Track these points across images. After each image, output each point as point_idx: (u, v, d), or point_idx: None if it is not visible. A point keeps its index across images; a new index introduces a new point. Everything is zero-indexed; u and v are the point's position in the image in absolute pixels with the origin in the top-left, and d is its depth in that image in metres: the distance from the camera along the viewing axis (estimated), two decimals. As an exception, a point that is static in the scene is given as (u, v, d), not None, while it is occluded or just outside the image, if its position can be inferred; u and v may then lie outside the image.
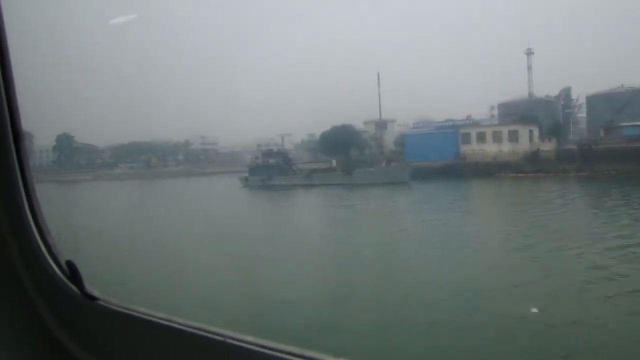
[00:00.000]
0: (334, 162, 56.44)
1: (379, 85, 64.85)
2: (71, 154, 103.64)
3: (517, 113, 62.10)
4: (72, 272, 2.32)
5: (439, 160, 53.21)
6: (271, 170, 56.63)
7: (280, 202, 44.02)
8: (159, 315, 2.06)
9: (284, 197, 46.47)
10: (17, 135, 2.30)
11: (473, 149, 55.52)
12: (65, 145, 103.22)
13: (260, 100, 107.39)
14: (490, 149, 54.93)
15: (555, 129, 59.74)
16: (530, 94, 65.95)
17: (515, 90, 68.91)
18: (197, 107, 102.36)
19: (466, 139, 57.27)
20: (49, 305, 2.37)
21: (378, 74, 65.30)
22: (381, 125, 68.62)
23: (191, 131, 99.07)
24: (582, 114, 73.18)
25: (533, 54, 64.58)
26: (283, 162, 59.76)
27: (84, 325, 2.33)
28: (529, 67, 64.99)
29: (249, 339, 1.75)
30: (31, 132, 73.70)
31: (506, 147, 54.68)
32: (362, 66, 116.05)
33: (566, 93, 76.16)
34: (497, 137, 55.81)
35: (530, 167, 50.86)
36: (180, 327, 1.97)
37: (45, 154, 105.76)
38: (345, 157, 59.91)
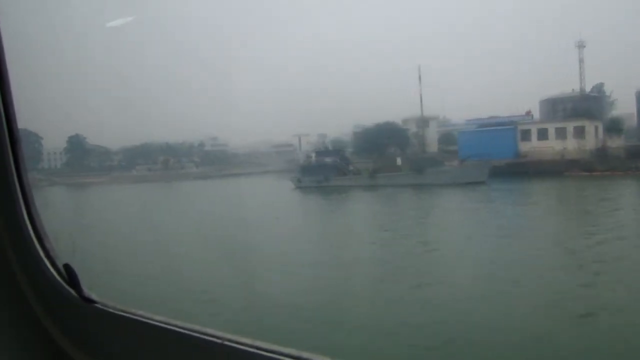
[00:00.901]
0: (398, 161, 52.49)
1: (419, 80, 61.44)
2: (83, 156, 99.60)
3: (566, 109, 59.23)
4: (70, 275, 2.32)
5: (497, 159, 49.95)
6: (327, 170, 52.64)
7: (363, 207, 39.17)
8: (157, 317, 2.07)
9: (361, 201, 41.84)
10: (14, 139, 2.34)
11: (534, 147, 52.42)
12: (77, 147, 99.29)
13: (270, 101, 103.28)
14: (553, 146, 51.76)
15: (616, 125, 56.63)
16: (581, 89, 62.84)
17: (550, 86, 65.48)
18: (206, 108, 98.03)
19: (526, 135, 54.12)
20: (47, 309, 2.38)
21: (419, 68, 61.98)
22: (422, 122, 65.22)
23: (201, 132, 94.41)
24: (616, 110, 70.54)
25: (584, 46, 61.45)
26: (340, 161, 55.61)
27: (82, 328, 2.34)
28: (581, 61, 61.83)
29: (247, 341, 1.76)
30: (39, 134, 69.34)
31: (571, 144, 51.49)
32: (379, 65, 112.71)
33: (599, 89, 73.56)
34: (560, 134, 52.55)
35: (601, 165, 47.70)
36: (178, 329, 1.97)
37: (53, 156, 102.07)
38: (408, 155, 55.71)
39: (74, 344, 2.30)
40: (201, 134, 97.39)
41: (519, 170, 47.74)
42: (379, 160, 54.54)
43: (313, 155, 61.20)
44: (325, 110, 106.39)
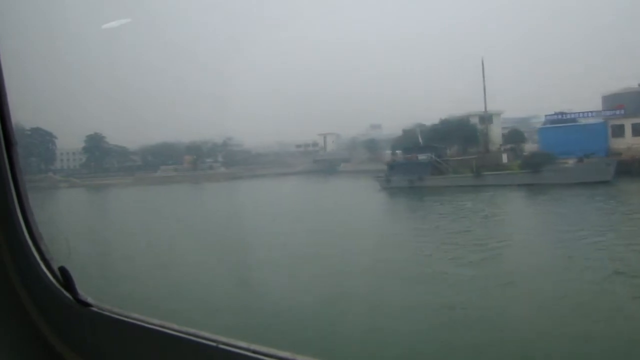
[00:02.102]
0: (504, 157, 46.96)
1: (483, 74, 56.59)
2: (103, 156, 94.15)
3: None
4: (65, 278, 2.32)
5: (586, 156, 44.86)
6: (421, 168, 47.01)
7: (501, 210, 33.49)
8: (153, 321, 2.07)
9: (490, 204, 35.69)
10: (9, 142, 2.38)
11: (628, 143, 47.46)
12: (96, 146, 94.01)
13: (282, 102, 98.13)
14: (654, 143, 46.55)
15: None
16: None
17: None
18: (218, 108, 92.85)
19: (618, 131, 49.22)
20: (42, 312, 2.37)
21: (482, 61, 57.04)
22: (486, 118, 60.18)
23: (216, 132, 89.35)
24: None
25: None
26: (436, 158, 49.43)
27: (78, 331, 2.32)
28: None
29: (242, 344, 1.77)
30: (53, 133, 63.97)
31: (673, 140, 46.52)
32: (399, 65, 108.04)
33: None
34: (660, 130, 47.54)
35: None
36: (173, 332, 1.97)
37: (69, 156, 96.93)
38: (521, 151, 50.30)
39: (69, 347, 2.27)
40: (215, 134, 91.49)
41: (620, 169, 42.68)
42: (482, 158, 48.25)
43: (398, 152, 55.38)
44: (334, 111, 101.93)
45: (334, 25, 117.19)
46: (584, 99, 64.23)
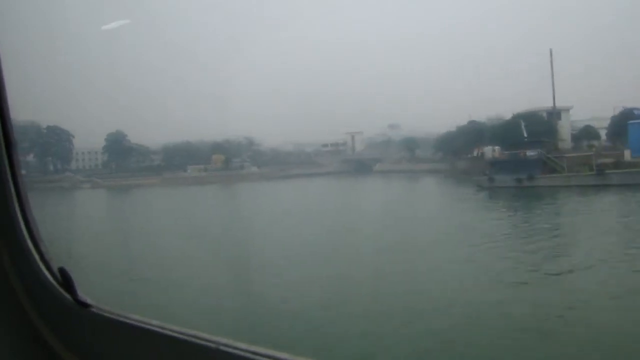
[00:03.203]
0: (627, 154, 42.34)
1: (552, 67, 53.05)
2: (124, 155, 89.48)
3: None
4: (65, 279, 2.28)
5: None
6: (530, 165, 42.09)
7: None
8: (152, 322, 2.05)
9: None
10: (9, 143, 2.32)
11: None
12: (117, 145, 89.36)
13: (299, 102, 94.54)
14: None
15: None
16: None
17: None
18: (236, 107, 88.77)
19: None
20: (42, 313, 2.36)
21: (551, 52, 53.51)
22: (554, 114, 56.57)
23: (233, 132, 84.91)
24: None
25: None
26: (547, 155, 44.29)
27: (77, 332, 2.32)
28: None
29: (242, 345, 1.75)
30: (70, 132, 59.54)
31: None
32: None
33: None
34: None
35: None
36: (173, 334, 1.96)
37: (81, 156, 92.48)
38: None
39: (69, 348, 2.28)
40: (232, 134, 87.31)
41: None
42: (598, 155, 43.24)
43: (495, 148, 50.89)
44: (352, 111, 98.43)
45: (352, 25, 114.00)
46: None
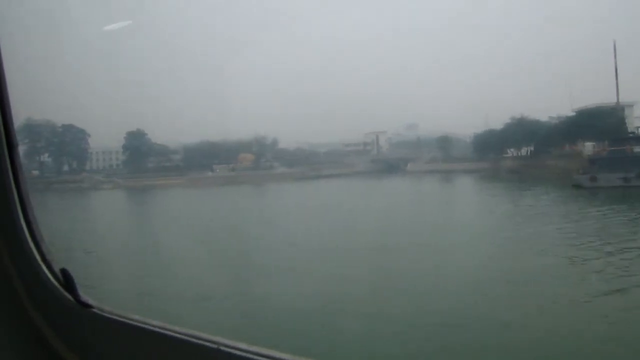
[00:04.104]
0: None
1: (615, 59, 50.07)
2: (145, 155, 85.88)
3: None
4: (67, 280, 2.30)
5: None
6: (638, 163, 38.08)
7: None
8: (153, 322, 2.06)
9: None
10: (11, 144, 2.34)
11: None
12: (137, 144, 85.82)
13: (316, 102, 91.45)
14: None
15: None
16: None
17: None
18: (255, 107, 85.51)
19: None
20: (44, 313, 2.35)
21: (614, 44, 50.53)
22: (620, 109, 53.51)
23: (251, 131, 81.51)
24: None
25: None
26: None
27: (79, 332, 2.31)
28: None
29: (243, 346, 1.76)
30: (86, 130, 55.89)
31: None
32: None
33: None
34: None
35: None
36: (174, 334, 1.96)
37: (96, 156, 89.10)
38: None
39: (71, 349, 2.28)
40: (248, 133, 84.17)
41: None
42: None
43: (593, 144, 47.21)
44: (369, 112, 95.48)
45: (366, 21, 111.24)
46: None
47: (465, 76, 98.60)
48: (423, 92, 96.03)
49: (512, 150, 66.54)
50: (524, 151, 66.61)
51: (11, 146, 2.30)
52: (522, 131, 61.74)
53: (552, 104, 76.49)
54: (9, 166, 2.29)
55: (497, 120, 67.55)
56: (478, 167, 69.91)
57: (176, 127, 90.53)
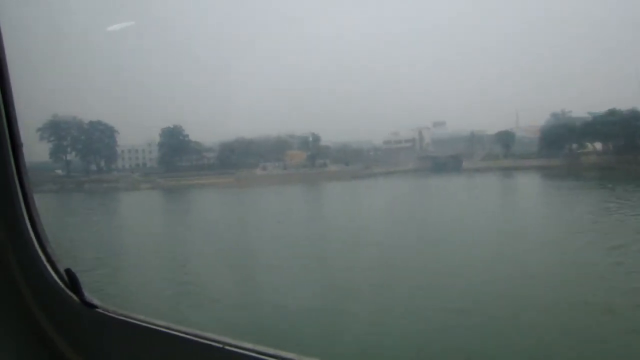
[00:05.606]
0: None
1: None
2: (182, 153, 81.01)
3: None
4: (72, 280, 2.28)
5: None
6: None
7: None
8: (158, 322, 2.05)
9: None
10: (16, 145, 2.31)
11: None
12: (174, 141, 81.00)
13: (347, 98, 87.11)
14: None
15: None
16: None
17: None
18: (281, 102, 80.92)
19: None
20: (48, 313, 2.33)
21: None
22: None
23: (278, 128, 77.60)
24: None
25: None
26: None
27: (84, 332, 2.28)
28: None
29: (248, 345, 1.75)
30: (115, 127, 50.17)
31: None
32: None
33: None
34: None
35: None
36: (179, 334, 1.95)
37: (124, 154, 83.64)
38: None
39: (75, 349, 2.23)
40: (281, 130, 79.40)
41: None
42: None
43: None
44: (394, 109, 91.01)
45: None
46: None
47: (491, 72, 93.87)
48: (448, 89, 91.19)
49: (597, 144, 61.95)
50: (611, 146, 61.99)
51: (15, 146, 2.27)
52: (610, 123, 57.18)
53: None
54: (13, 166, 2.26)
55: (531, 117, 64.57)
56: (548, 164, 66.55)
57: (208, 124, 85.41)
